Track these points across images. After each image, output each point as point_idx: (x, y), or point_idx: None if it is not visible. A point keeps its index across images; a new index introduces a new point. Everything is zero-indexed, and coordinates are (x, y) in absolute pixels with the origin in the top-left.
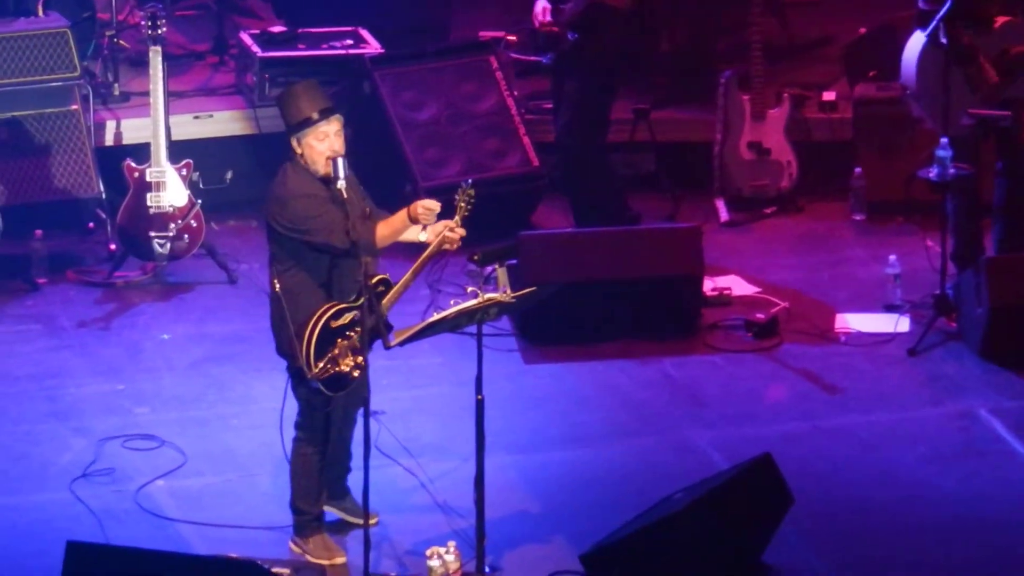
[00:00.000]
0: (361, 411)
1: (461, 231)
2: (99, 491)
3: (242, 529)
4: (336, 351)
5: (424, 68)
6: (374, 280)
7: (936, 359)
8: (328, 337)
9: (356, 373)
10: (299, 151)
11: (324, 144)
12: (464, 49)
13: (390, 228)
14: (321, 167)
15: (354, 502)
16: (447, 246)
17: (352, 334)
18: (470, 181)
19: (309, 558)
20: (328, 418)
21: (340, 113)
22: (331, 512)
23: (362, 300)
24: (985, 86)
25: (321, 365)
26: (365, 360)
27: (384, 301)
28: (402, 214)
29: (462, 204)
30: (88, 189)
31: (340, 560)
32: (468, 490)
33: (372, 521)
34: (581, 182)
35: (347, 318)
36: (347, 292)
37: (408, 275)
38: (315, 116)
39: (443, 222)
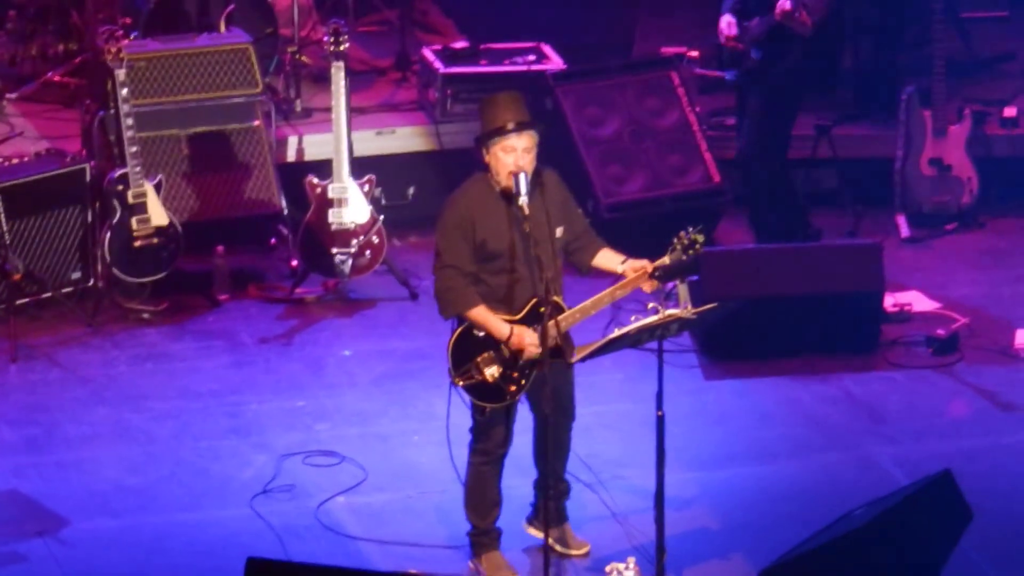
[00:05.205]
0: (564, 434)
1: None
2: (280, 507)
3: (422, 547)
4: (479, 359)
5: (606, 84)
6: (536, 300)
7: None
8: (470, 344)
9: (512, 388)
10: (486, 160)
11: (510, 157)
12: (646, 65)
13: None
14: (503, 179)
15: (567, 532)
16: (643, 287)
17: (504, 347)
18: (701, 226)
19: None
20: (500, 432)
21: (537, 131)
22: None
23: (521, 316)
24: None
25: (462, 371)
26: (522, 376)
27: (558, 321)
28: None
29: (679, 248)
30: (270, 205)
31: None
32: (648, 506)
33: (581, 551)
34: (763, 198)
35: None
36: (514, 305)
37: (589, 303)
38: (509, 126)
39: (643, 261)
